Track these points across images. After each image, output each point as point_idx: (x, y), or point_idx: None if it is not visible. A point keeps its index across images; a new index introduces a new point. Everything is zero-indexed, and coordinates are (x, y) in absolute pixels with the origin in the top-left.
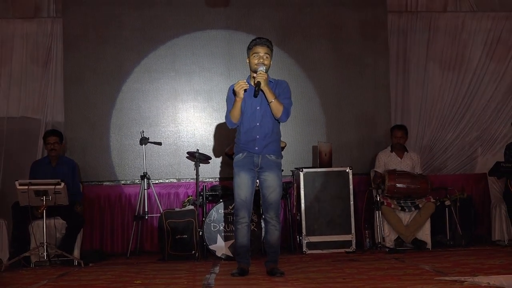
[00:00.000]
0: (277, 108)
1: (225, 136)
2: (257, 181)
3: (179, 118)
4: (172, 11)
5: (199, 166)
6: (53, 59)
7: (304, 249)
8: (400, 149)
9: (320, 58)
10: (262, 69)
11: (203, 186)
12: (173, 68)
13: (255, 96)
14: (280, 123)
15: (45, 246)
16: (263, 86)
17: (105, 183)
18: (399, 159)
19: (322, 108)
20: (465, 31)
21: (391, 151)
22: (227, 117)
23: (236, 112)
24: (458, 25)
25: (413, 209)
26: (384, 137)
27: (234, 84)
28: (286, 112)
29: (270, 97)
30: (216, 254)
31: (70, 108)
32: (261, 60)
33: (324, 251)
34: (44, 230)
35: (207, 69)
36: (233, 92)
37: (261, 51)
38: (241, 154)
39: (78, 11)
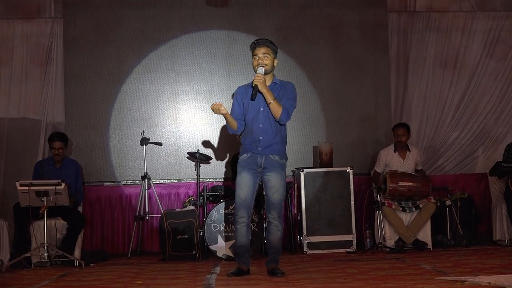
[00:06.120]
0: (275, 109)
1: (225, 137)
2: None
3: (180, 119)
4: (173, 11)
5: (199, 166)
6: (53, 60)
7: (305, 249)
8: (402, 149)
9: (320, 58)
10: (260, 71)
11: (203, 186)
12: (173, 68)
13: (252, 99)
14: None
15: (46, 247)
16: (260, 88)
17: (105, 183)
18: (401, 160)
19: (322, 108)
20: (465, 31)
21: (395, 151)
22: (227, 124)
23: (229, 123)
24: (459, 25)
25: (413, 209)
26: (384, 137)
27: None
28: (285, 113)
29: (269, 98)
30: (217, 254)
31: (70, 108)
32: (260, 61)
33: (325, 251)
34: (45, 231)
35: (207, 70)
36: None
37: (259, 52)
38: (245, 154)
39: (79, 11)
